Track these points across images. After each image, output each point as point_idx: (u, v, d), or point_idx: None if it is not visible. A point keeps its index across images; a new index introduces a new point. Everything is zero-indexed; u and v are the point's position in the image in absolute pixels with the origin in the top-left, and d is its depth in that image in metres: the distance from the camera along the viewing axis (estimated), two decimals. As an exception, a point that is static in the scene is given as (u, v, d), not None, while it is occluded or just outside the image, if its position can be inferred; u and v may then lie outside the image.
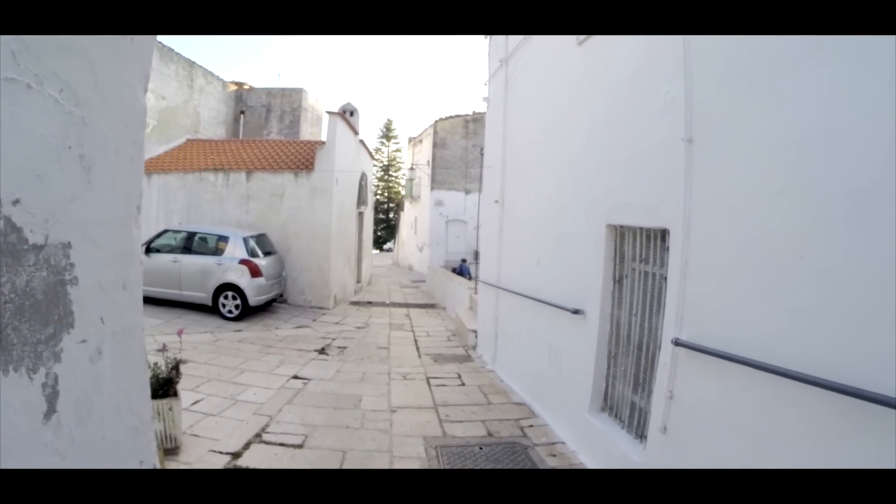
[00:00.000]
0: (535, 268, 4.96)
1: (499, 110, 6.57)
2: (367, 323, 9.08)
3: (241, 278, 8.23)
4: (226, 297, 8.35)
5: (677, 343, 2.86)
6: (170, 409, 3.86)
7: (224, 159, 11.83)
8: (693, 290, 2.86)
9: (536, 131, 5.21)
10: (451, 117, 22.86)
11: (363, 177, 13.61)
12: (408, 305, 11.67)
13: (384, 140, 49.29)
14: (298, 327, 8.33)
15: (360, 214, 13.66)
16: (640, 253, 3.51)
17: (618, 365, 3.79)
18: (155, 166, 11.97)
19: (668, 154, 3.12)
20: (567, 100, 4.50)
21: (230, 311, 8.35)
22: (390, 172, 49.65)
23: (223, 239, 8.59)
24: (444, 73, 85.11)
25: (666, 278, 3.16)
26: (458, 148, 22.70)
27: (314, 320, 8.94)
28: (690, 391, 2.86)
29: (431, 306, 11.71)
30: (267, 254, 9.06)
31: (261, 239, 9.24)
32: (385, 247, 43.99)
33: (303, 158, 11.03)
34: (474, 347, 7.32)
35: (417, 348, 7.28)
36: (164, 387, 3.90)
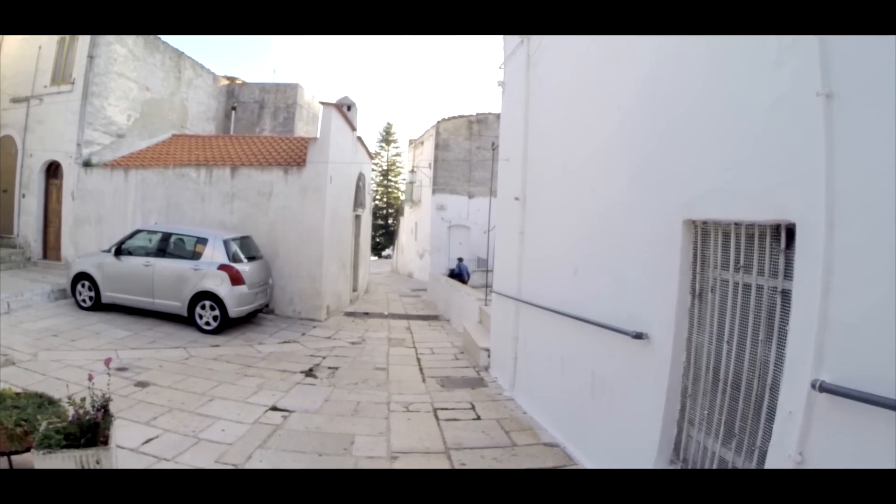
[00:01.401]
0: (572, 278, 4.00)
1: (518, 94, 5.65)
2: (363, 337, 8.10)
3: (221, 286, 7.25)
4: (203, 307, 7.36)
5: (822, 388, 1.91)
6: (97, 461, 2.89)
7: (210, 155, 10.89)
8: (844, 311, 1.92)
9: (571, 109, 4.28)
10: (454, 118, 22.04)
11: (361, 177, 12.68)
12: (408, 317, 10.69)
13: (384, 144, 48.47)
14: (285, 342, 7.33)
15: (357, 217, 12.71)
16: (735, 258, 2.57)
17: (696, 407, 2.83)
18: (134, 161, 11.02)
19: (791, 116, 2.21)
20: (617, 62, 3.56)
21: (207, 324, 7.36)
22: (390, 177, 48.80)
23: (201, 241, 7.62)
24: (445, 74, 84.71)
25: (784, 293, 2.24)
26: (462, 150, 21.84)
27: (303, 334, 7.95)
28: (842, 458, 1.91)
29: (434, 318, 10.73)
30: (251, 258, 8.09)
31: (244, 242, 8.27)
32: (384, 253, 43.07)
33: (294, 154, 10.10)
34: (487, 369, 6.34)
35: (421, 369, 6.30)
36: (88, 433, 2.93)
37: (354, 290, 12.93)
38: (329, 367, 6.09)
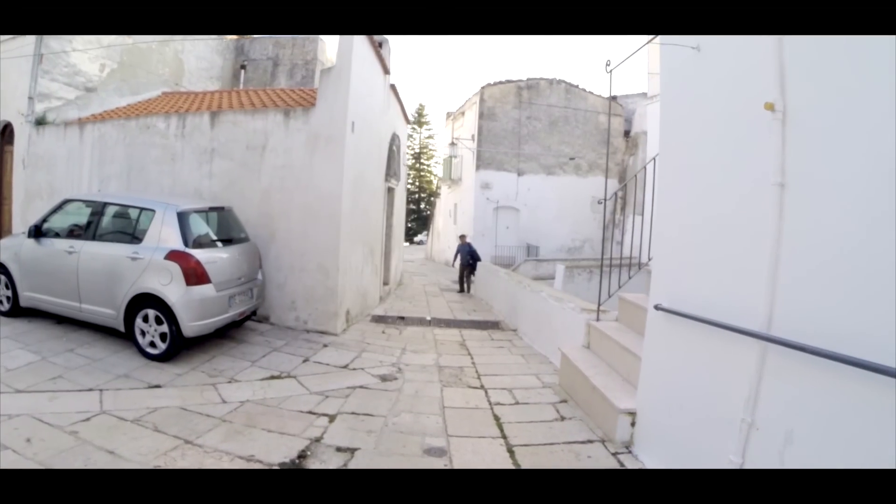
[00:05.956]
0: None
1: None
2: (399, 365, 5.19)
3: (169, 286, 4.45)
4: (146, 320, 4.60)
5: None
6: None
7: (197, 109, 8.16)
8: None
9: None
10: (500, 83, 18.86)
11: (395, 138, 9.73)
12: (459, 324, 7.76)
13: (415, 126, 45.81)
14: (271, 377, 4.49)
15: (390, 191, 9.79)
16: None
17: None
18: (99, 118, 8.43)
19: None
20: None
21: (152, 345, 4.59)
22: (422, 160, 46.27)
23: (146, 213, 4.84)
24: (483, 46, 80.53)
25: None
26: (510, 120, 18.68)
27: (305, 360, 5.10)
28: None
29: (494, 325, 7.77)
30: (228, 241, 5.28)
31: (221, 216, 5.47)
32: (416, 239, 40.50)
33: (300, 98, 7.26)
34: (630, 448, 3.37)
35: (509, 450, 3.35)
36: None
37: (385, 283, 10.09)
38: (339, 450, 3.19)
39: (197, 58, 12.53)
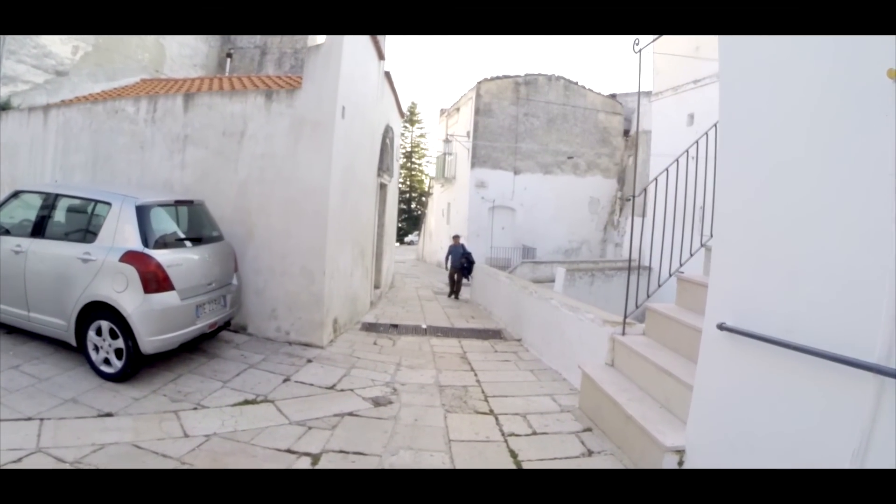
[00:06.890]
0: None
1: None
2: (394, 385, 4.56)
3: (125, 293, 3.78)
4: (99, 332, 3.93)
5: None
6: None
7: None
8: None
9: None
10: (497, 78, 18.28)
11: (388, 130, 9.09)
12: (458, 333, 7.13)
13: (407, 124, 45.13)
14: (245, 403, 3.83)
15: (383, 187, 9.14)
16: None
17: None
18: (68, 103, 7.70)
19: None
20: None
21: (107, 362, 3.92)
22: (413, 159, 45.66)
23: (101, 207, 4.16)
24: (476, 46, 79.88)
25: None
26: (507, 117, 18.11)
27: (286, 380, 4.44)
28: None
29: (496, 335, 7.15)
30: (197, 240, 4.61)
31: (192, 211, 4.80)
32: (407, 239, 39.81)
33: (286, 84, 6.61)
34: (679, 496, 2.78)
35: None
36: None
37: (377, 286, 9.44)
38: None
39: (180, 44, 11.78)
